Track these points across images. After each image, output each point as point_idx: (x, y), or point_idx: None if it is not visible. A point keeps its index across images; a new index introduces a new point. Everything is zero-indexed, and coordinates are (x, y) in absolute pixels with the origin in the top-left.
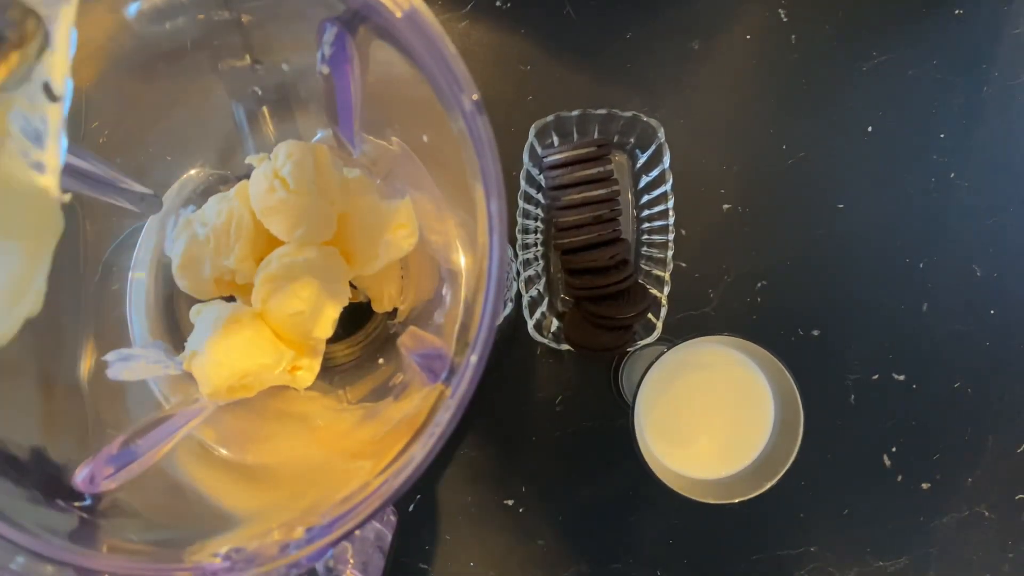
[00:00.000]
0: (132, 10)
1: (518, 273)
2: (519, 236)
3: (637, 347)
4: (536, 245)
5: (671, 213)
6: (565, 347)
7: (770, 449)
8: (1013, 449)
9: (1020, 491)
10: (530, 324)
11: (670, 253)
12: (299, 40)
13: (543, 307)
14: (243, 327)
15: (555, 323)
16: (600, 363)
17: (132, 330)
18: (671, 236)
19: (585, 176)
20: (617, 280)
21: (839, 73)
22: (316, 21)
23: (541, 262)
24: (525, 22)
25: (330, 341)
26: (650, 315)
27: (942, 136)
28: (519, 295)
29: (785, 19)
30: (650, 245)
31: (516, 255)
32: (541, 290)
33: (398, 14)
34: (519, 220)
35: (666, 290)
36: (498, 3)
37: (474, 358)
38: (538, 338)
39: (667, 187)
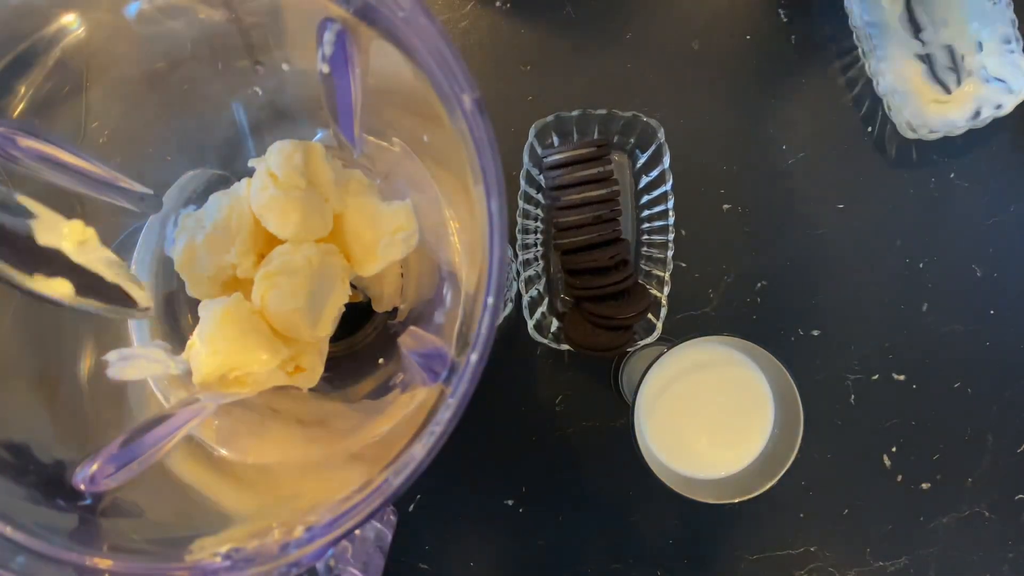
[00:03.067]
0: (132, 10)
1: (518, 273)
2: (519, 236)
3: (637, 347)
4: (536, 245)
5: (671, 213)
6: (565, 347)
7: (770, 449)
8: (1013, 449)
9: (1020, 491)
10: (530, 324)
11: (670, 253)
12: (299, 40)
13: (543, 307)
14: (240, 319)
15: (555, 323)
16: (600, 363)
17: (132, 330)
18: (671, 236)
19: (585, 176)
20: (617, 280)
21: (839, 73)
22: (316, 20)
23: (541, 262)
24: (525, 22)
25: (330, 341)
26: (650, 315)
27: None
28: (519, 295)
29: (785, 19)
30: (650, 245)
31: (516, 255)
32: (541, 290)
33: (399, 13)
34: (519, 220)
35: (666, 290)
36: (498, 3)
37: (474, 357)
38: (538, 338)
39: (667, 187)
